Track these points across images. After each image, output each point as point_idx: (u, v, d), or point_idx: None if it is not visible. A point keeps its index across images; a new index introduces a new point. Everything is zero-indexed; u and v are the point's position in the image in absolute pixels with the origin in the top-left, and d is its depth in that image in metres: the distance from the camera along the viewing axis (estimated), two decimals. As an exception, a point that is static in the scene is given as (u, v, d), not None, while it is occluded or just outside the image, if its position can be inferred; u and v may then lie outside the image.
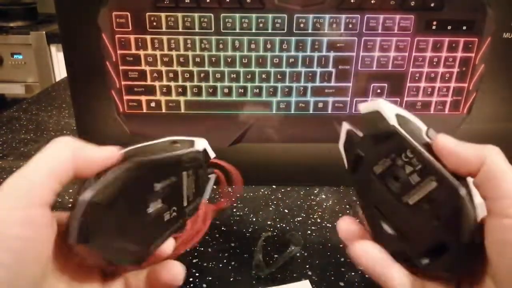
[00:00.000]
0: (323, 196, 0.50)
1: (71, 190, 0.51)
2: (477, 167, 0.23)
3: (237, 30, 0.44)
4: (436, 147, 0.24)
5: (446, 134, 0.25)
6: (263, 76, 0.46)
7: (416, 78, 0.47)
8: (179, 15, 0.44)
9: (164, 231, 0.27)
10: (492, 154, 0.23)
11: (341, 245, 0.42)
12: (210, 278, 0.37)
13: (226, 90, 0.47)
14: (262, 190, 0.52)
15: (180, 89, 0.47)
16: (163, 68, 0.46)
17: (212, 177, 0.31)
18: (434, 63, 0.46)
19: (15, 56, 1.59)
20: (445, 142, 0.24)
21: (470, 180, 0.24)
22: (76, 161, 0.22)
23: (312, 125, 0.49)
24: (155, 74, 0.46)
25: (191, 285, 0.36)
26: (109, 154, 0.23)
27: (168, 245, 0.28)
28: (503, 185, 0.22)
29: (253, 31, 0.44)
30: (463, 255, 0.23)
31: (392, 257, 0.26)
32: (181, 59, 0.45)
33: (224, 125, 0.49)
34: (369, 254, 0.26)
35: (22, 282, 0.19)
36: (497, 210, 0.22)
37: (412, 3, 0.44)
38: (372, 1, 0.43)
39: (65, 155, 0.22)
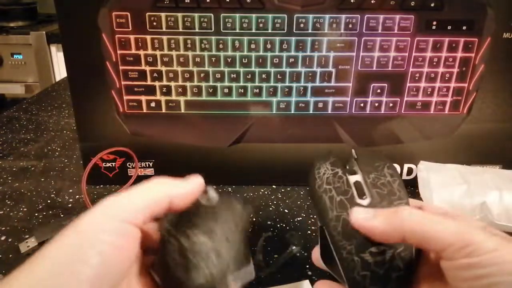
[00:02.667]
0: (323, 196, 0.50)
1: (71, 190, 0.51)
2: (401, 236, 0.23)
3: (237, 30, 0.44)
4: (356, 225, 0.25)
5: (357, 209, 0.26)
6: (263, 76, 0.46)
7: (416, 78, 0.47)
8: (179, 15, 0.44)
9: None
10: (404, 216, 0.23)
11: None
12: (210, 278, 0.37)
13: (226, 90, 0.47)
14: (262, 190, 0.52)
15: (180, 89, 0.47)
16: (163, 68, 0.46)
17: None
18: (434, 63, 0.46)
19: (15, 56, 1.59)
20: (357, 220, 0.25)
21: None
22: (172, 201, 0.25)
23: (312, 125, 0.49)
24: (155, 74, 0.46)
25: (191, 285, 0.36)
26: (197, 188, 0.27)
27: None
28: (433, 238, 0.22)
29: (253, 31, 0.44)
30: None
31: None
32: (181, 59, 0.45)
33: (224, 125, 0.49)
34: None
35: (103, 282, 0.21)
36: (449, 257, 0.21)
37: (412, 3, 0.44)
38: (372, 1, 0.43)
39: (161, 195, 0.25)
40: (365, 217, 0.25)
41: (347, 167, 0.30)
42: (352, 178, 0.29)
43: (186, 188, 0.26)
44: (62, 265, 0.20)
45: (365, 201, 0.27)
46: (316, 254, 0.31)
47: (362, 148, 0.33)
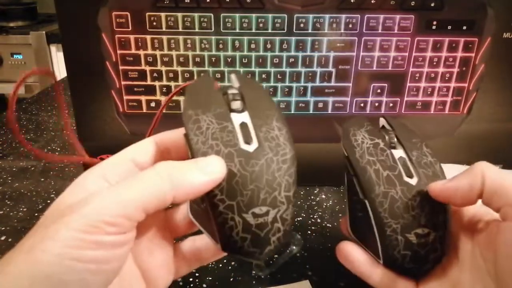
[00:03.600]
0: (323, 196, 0.50)
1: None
2: (480, 189, 0.23)
3: (237, 30, 0.44)
4: (435, 195, 0.25)
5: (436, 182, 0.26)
6: (263, 76, 0.46)
7: (416, 78, 0.47)
8: (179, 15, 0.44)
9: None
10: (485, 169, 0.23)
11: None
12: (210, 278, 0.37)
13: (226, 90, 0.47)
14: (262, 190, 0.52)
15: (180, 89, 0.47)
16: (163, 68, 0.46)
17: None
18: (434, 63, 0.46)
19: (15, 56, 1.59)
20: (440, 188, 0.25)
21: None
22: (175, 195, 0.21)
23: (312, 125, 0.49)
24: (155, 74, 0.46)
25: (191, 285, 0.36)
26: (215, 179, 0.22)
27: None
28: (510, 192, 0.22)
29: (253, 31, 0.44)
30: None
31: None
32: (181, 59, 0.45)
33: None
34: (354, 256, 0.28)
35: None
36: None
37: (412, 3, 0.44)
38: (372, 1, 0.43)
39: (158, 192, 0.21)
40: (444, 184, 0.25)
41: (387, 139, 0.29)
42: (396, 153, 0.28)
43: (200, 183, 0.22)
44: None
45: (413, 181, 0.26)
46: (344, 223, 0.30)
47: (392, 118, 0.31)
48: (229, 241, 0.23)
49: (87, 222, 0.19)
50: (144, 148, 0.26)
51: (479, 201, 0.24)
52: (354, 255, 0.28)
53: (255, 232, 0.23)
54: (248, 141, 0.24)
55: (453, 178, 0.25)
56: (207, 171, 0.22)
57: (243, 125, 0.24)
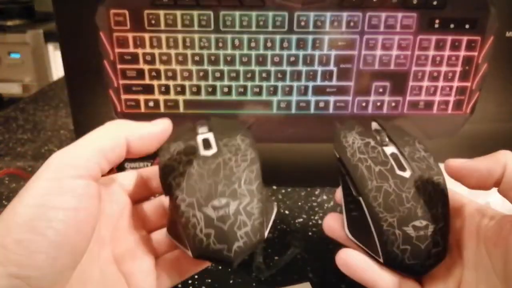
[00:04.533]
0: (324, 197, 0.50)
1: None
2: (499, 176, 0.23)
3: (237, 28, 0.44)
4: (450, 172, 0.25)
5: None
6: (263, 75, 0.46)
7: (419, 77, 0.46)
8: (178, 13, 0.43)
9: None
10: (509, 158, 0.23)
11: (342, 247, 0.41)
12: (209, 281, 0.36)
13: (225, 89, 0.46)
14: (262, 191, 0.51)
15: (179, 88, 0.46)
16: (162, 67, 0.45)
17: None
18: (437, 62, 0.46)
19: (12, 55, 1.58)
20: (458, 165, 0.25)
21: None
22: (130, 142, 0.24)
23: (313, 125, 0.48)
24: (153, 73, 0.45)
25: (191, 287, 0.36)
26: (164, 127, 0.25)
27: None
28: None
29: (253, 29, 0.44)
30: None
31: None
32: (180, 58, 0.45)
33: (223, 124, 0.48)
34: (354, 261, 0.27)
35: (62, 253, 0.20)
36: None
37: (415, 1, 0.43)
38: (374, -1, 0.43)
39: (115, 136, 0.23)
40: (463, 162, 0.24)
41: (378, 138, 0.29)
42: (388, 150, 0.28)
43: (146, 129, 0.25)
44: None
45: (406, 174, 0.26)
46: (332, 224, 0.30)
47: (384, 121, 0.32)
48: (195, 241, 0.23)
49: (53, 170, 0.21)
50: (128, 176, 0.28)
51: (481, 196, 0.24)
52: (355, 262, 0.27)
53: (218, 226, 0.23)
54: (207, 148, 0.26)
55: (473, 159, 0.24)
56: (155, 123, 0.25)
57: (205, 139, 0.27)
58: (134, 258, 0.26)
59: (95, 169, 0.22)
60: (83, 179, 0.21)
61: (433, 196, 0.26)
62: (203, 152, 0.25)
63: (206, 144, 0.26)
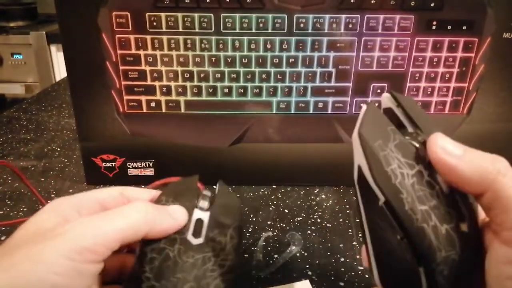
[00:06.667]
0: (323, 196, 0.50)
1: (71, 190, 0.51)
2: (482, 189, 0.19)
3: (237, 30, 0.44)
4: (436, 162, 0.20)
5: (443, 137, 0.21)
6: (263, 76, 0.46)
7: (416, 78, 0.47)
8: (179, 15, 0.44)
9: None
10: (501, 173, 0.19)
11: (341, 245, 0.42)
12: (210, 278, 0.37)
13: (226, 90, 0.47)
14: (262, 190, 0.52)
15: (180, 89, 0.47)
16: (163, 68, 0.46)
17: None
18: (434, 63, 0.46)
19: (15, 56, 1.59)
20: (444, 158, 0.20)
21: None
22: (147, 234, 0.24)
23: (312, 125, 0.49)
24: (155, 74, 0.46)
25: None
26: (180, 223, 0.25)
27: None
28: (510, 215, 0.18)
29: (253, 31, 0.44)
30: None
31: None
32: (181, 59, 0.45)
33: (224, 125, 0.49)
34: None
35: None
36: (504, 239, 0.19)
37: (412, 3, 0.44)
38: (372, 1, 0.43)
39: (136, 227, 0.23)
40: (451, 151, 0.20)
41: (423, 158, 0.21)
42: (443, 183, 0.21)
43: (168, 225, 0.25)
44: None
45: (464, 226, 0.20)
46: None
47: (401, 96, 0.24)
48: None
49: (72, 248, 0.21)
50: (111, 195, 0.28)
51: None
52: None
53: None
54: (196, 235, 0.25)
55: (466, 155, 0.20)
56: (174, 217, 0.25)
57: (199, 221, 0.26)
58: None
59: (108, 255, 0.22)
60: (94, 264, 0.22)
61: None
62: (189, 237, 0.25)
63: (197, 228, 0.26)
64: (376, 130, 0.22)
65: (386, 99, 0.25)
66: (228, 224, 0.26)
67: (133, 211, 0.24)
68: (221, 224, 0.26)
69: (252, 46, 0.45)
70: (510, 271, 0.18)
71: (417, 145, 0.22)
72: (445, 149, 0.20)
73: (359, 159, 0.22)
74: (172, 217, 0.25)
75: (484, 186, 0.19)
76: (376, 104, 0.24)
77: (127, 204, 0.24)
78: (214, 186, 0.31)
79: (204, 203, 0.27)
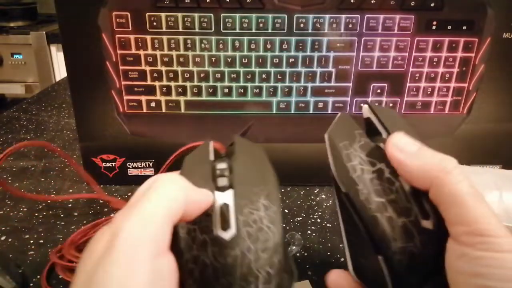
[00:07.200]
0: (323, 196, 0.50)
1: (71, 190, 0.51)
2: (426, 185, 0.20)
3: (237, 30, 0.44)
4: (388, 156, 0.22)
5: (400, 135, 0.22)
6: (263, 76, 0.46)
7: (416, 78, 0.47)
8: (179, 15, 0.44)
9: None
10: (445, 170, 0.20)
11: (341, 245, 0.42)
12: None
13: (226, 90, 0.47)
14: (262, 190, 0.52)
15: (180, 89, 0.47)
16: (163, 68, 0.46)
17: None
18: (434, 63, 0.46)
19: (15, 56, 1.59)
20: (394, 153, 0.21)
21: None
22: (186, 205, 0.20)
23: (312, 125, 0.49)
24: (155, 74, 0.46)
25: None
26: (209, 199, 0.22)
27: None
28: (452, 210, 0.19)
29: (253, 31, 0.44)
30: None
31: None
32: (181, 59, 0.45)
33: (224, 125, 0.49)
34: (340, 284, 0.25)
35: None
36: (452, 234, 0.19)
37: (412, 3, 0.44)
38: (372, 1, 0.43)
39: (180, 199, 0.20)
40: (403, 148, 0.21)
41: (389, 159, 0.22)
42: (405, 183, 0.22)
43: (201, 198, 0.21)
44: None
45: (430, 224, 0.21)
46: (337, 282, 0.25)
47: (378, 106, 0.26)
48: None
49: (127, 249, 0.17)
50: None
51: None
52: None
53: None
54: (225, 226, 0.21)
55: (420, 153, 0.21)
56: (202, 192, 0.22)
57: (224, 208, 0.22)
58: None
59: (168, 239, 0.19)
60: (163, 257, 0.19)
61: None
62: (219, 232, 0.21)
63: (224, 216, 0.22)
64: (343, 132, 0.24)
65: (365, 110, 0.27)
66: (257, 192, 0.23)
67: (167, 183, 0.20)
68: (250, 199, 0.22)
69: (252, 46, 0.45)
70: (459, 266, 0.19)
71: (382, 146, 0.23)
72: (397, 145, 0.22)
73: (329, 158, 0.25)
74: (200, 191, 0.21)
75: (428, 182, 0.20)
76: (366, 106, 0.27)
77: (156, 178, 0.20)
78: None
79: (223, 180, 0.23)
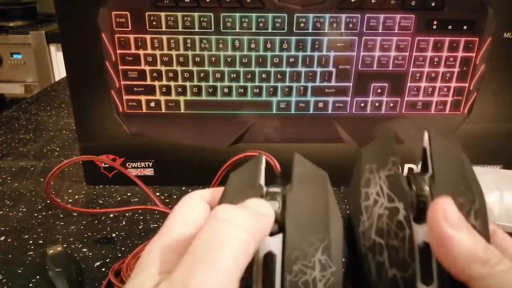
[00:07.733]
0: (323, 196, 0.50)
1: (70, 190, 0.50)
2: (463, 278, 0.17)
3: (237, 30, 0.44)
4: (430, 220, 0.18)
5: (451, 203, 0.18)
6: (263, 76, 0.46)
7: (417, 78, 0.47)
8: (179, 14, 0.43)
9: None
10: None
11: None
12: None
13: (226, 90, 0.47)
14: (262, 190, 0.52)
15: (180, 89, 0.47)
16: (163, 68, 0.46)
17: None
18: (435, 63, 0.46)
19: (14, 56, 1.59)
20: (442, 224, 0.17)
21: None
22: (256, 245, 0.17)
23: (312, 125, 0.49)
24: (154, 74, 0.46)
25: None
26: (271, 216, 0.18)
27: None
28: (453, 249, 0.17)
29: (253, 30, 0.44)
30: None
31: None
32: (181, 59, 0.45)
33: (224, 125, 0.48)
34: None
35: None
36: (458, 274, 0.17)
37: (413, 3, 0.43)
38: (373, 1, 0.43)
39: (251, 251, 0.16)
40: (453, 221, 0.17)
41: (413, 199, 0.19)
42: (419, 234, 0.18)
43: (266, 223, 0.18)
44: None
45: None
46: None
47: (441, 140, 0.22)
48: None
49: None
50: (201, 211, 0.22)
51: None
52: None
53: None
54: (266, 284, 0.17)
55: (464, 234, 0.17)
56: (262, 212, 0.18)
57: (269, 259, 0.17)
58: None
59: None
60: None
61: None
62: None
63: (268, 274, 0.17)
64: (377, 154, 0.21)
65: (425, 138, 0.23)
66: (313, 242, 0.17)
67: (240, 232, 0.16)
68: (303, 251, 0.17)
69: (252, 45, 0.45)
70: None
71: (414, 188, 0.19)
72: (446, 215, 0.17)
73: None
74: (260, 212, 0.18)
75: (466, 277, 0.17)
76: (426, 133, 0.23)
77: (214, 222, 0.17)
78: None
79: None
